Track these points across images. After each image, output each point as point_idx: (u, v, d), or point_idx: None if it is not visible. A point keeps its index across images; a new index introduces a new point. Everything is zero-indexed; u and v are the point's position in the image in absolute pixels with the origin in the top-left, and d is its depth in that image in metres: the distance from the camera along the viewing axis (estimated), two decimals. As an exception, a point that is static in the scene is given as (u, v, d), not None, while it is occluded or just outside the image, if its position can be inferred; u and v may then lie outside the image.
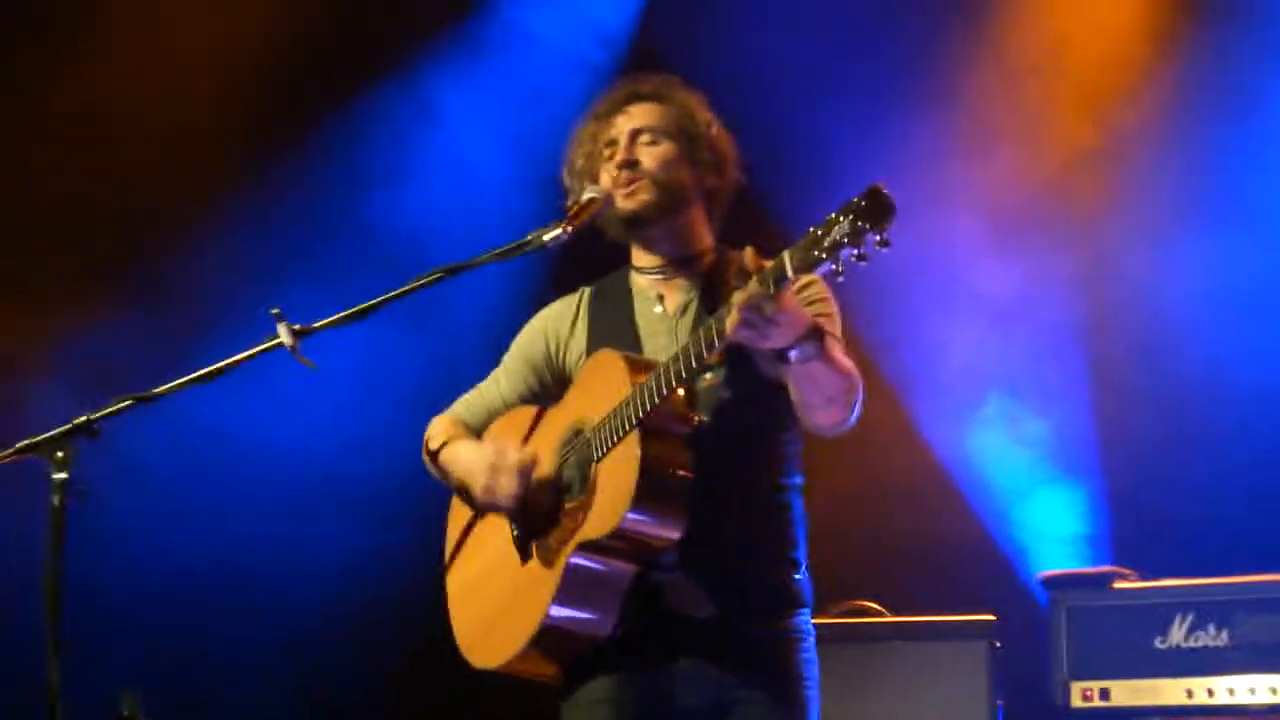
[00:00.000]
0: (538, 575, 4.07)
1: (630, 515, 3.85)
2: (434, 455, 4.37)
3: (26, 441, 3.72)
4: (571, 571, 3.97)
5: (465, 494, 4.31)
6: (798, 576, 4.11)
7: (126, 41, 7.39)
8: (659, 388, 3.86)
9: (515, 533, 4.19)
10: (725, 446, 4.00)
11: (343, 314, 3.94)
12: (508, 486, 4.12)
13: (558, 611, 4.00)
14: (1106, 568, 6.57)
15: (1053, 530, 7.44)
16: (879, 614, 6.65)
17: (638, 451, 3.87)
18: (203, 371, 3.87)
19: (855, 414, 3.97)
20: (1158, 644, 6.23)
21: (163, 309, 7.24)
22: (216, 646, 7.21)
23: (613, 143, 4.24)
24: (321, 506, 7.36)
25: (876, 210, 3.48)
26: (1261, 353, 7.12)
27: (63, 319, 7.12)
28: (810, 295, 4.06)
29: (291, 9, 7.56)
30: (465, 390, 4.52)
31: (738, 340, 3.71)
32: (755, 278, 3.63)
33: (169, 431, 6.71)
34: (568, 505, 4.06)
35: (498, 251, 4.04)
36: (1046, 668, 6.36)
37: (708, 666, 4.00)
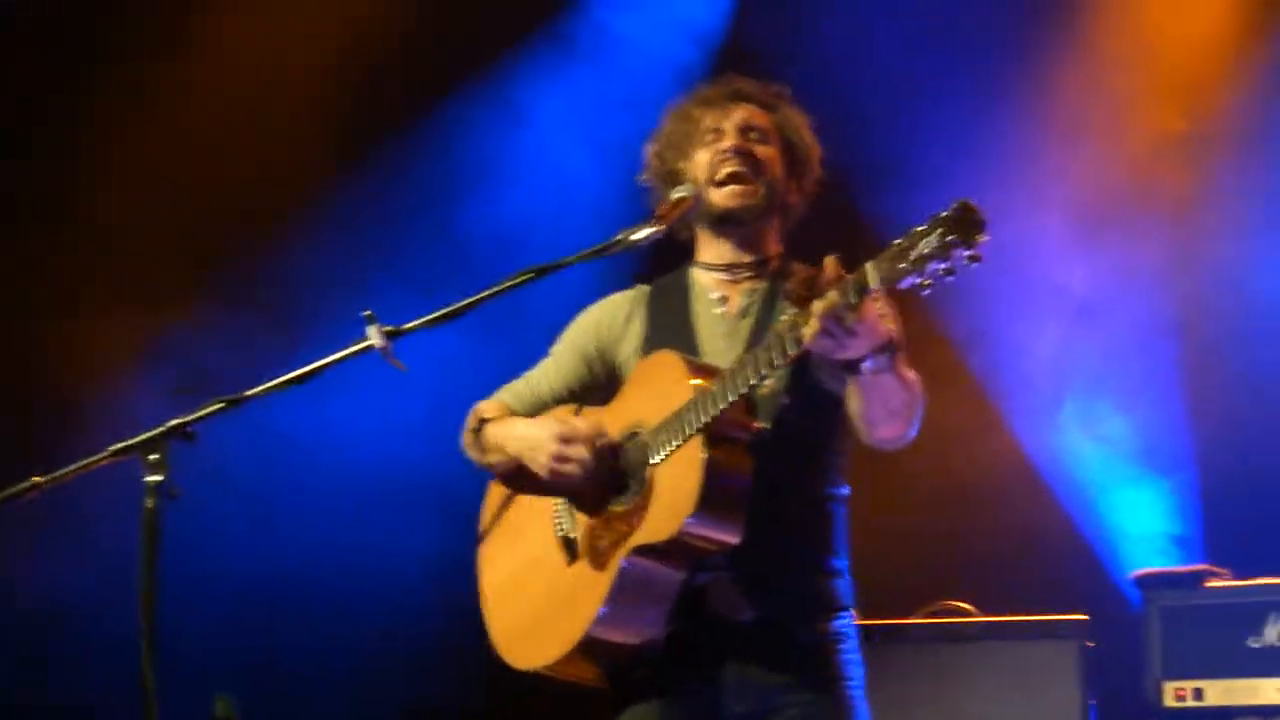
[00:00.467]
0: (586, 577, 4.03)
1: (691, 521, 3.82)
2: (479, 430, 4.32)
3: (121, 444, 3.73)
4: (624, 575, 3.93)
5: (514, 476, 4.26)
6: (840, 581, 4.10)
7: (225, 44, 7.46)
8: (725, 393, 3.84)
9: (561, 531, 4.16)
10: (781, 455, 3.98)
11: (433, 315, 3.93)
12: (581, 453, 4.06)
13: (607, 615, 3.96)
14: (1199, 566, 6.52)
15: (1144, 528, 7.39)
16: (970, 614, 6.62)
17: (702, 457, 3.83)
18: (294, 374, 3.86)
19: (915, 429, 3.95)
20: (1251, 643, 6.17)
21: (257, 312, 7.29)
22: (301, 650, 7.25)
23: (718, 130, 4.21)
24: (403, 510, 7.37)
25: (967, 225, 3.46)
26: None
27: (156, 321, 7.18)
28: (877, 307, 4.04)
29: (385, 12, 7.59)
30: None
31: (815, 349, 3.69)
32: (836, 288, 3.61)
33: (247, 435, 6.74)
34: (619, 508, 4.02)
35: (588, 252, 4.02)
36: (1139, 667, 6.32)
37: (753, 671, 3.98)
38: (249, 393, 3.86)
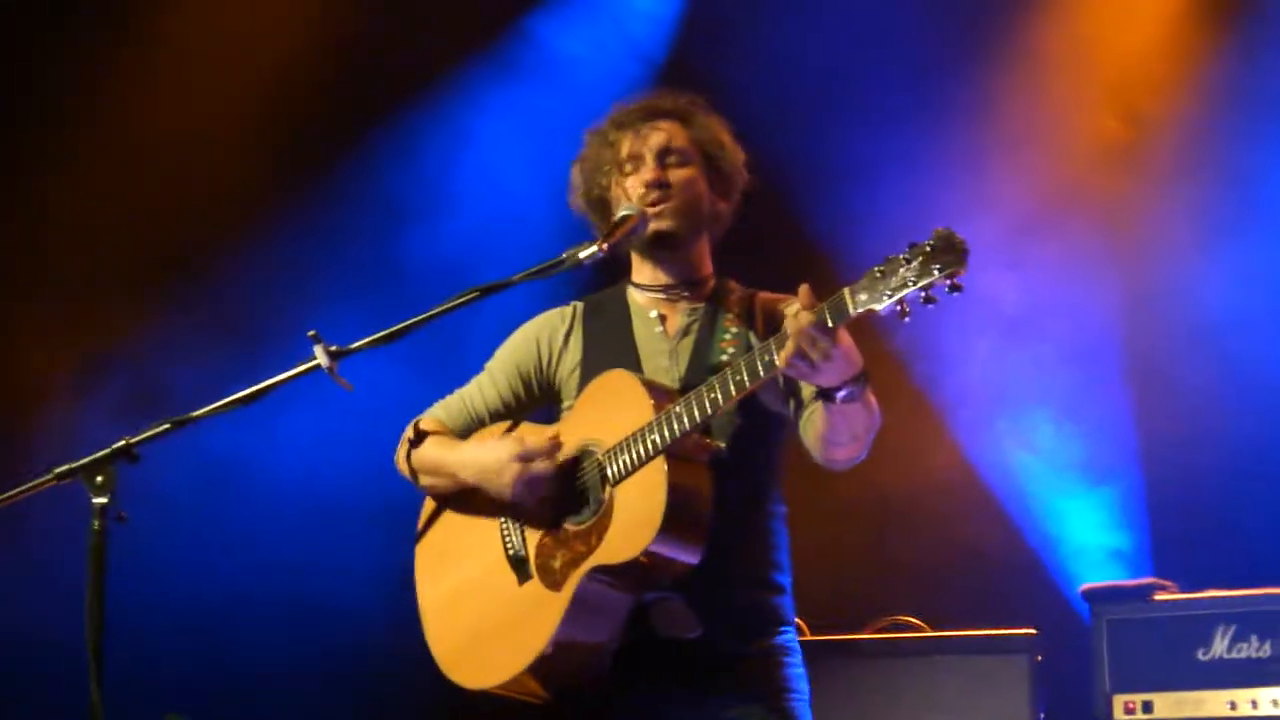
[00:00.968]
0: (540, 596, 4.03)
1: (655, 541, 3.82)
2: (415, 444, 4.30)
3: (66, 467, 3.71)
4: (581, 596, 3.94)
5: (453, 496, 4.25)
6: (784, 597, 4.12)
7: (174, 52, 7.46)
8: (691, 414, 3.84)
9: (511, 549, 4.13)
10: (734, 474, 3.98)
11: (378, 335, 3.93)
12: (545, 469, 4.05)
13: (562, 636, 3.96)
14: (1147, 579, 6.51)
15: (1092, 542, 7.40)
16: (919, 629, 6.63)
17: (665, 479, 3.84)
18: (242, 394, 3.86)
19: (866, 452, 3.97)
20: (1200, 656, 6.18)
21: (204, 327, 7.28)
22: (251, 669, 7.21)
23: (637, 157, 4.22)
24: (345, 527, 7.36)
25: (949, 254, 3.48)
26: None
27: (97, 338, 7.17)
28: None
29: (332, 29, 7.58)
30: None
31: (790, 373, 3.71)
32: (813, 313, 3.62)
33: (185, 455, 6.71)
34: (574, 527, 4.02)
35: (532, 270, 4.03)
36: (1088, 681, 6.32)
37: (697, 686, 4.00)
38: (196, 413, 3.84)
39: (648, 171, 4.19)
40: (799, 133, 7.14)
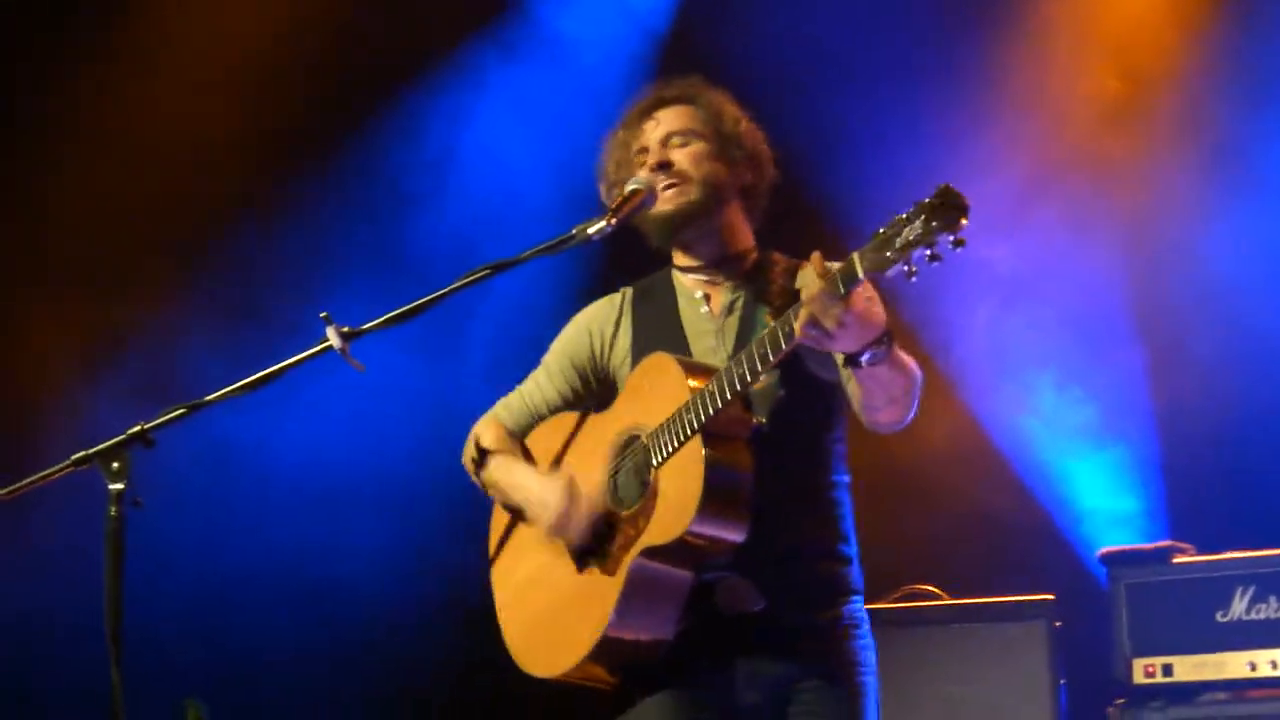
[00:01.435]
0: (597, 583, 4.05)
1: (696, 520, 3.83)
2: (480, 463, 4.37)
3: (82, 453, 3.71)
4: (634, 579, 3.95)
5: (517, 512, 4.32)
6: (849, 567, 4.11)
7: (172, 36, 7.49)
8: (722, 391, 3.85)
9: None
10: (781, 448, 3.98)
11: (390, 315, 3.92)
12: (578, 531, 4.10)
13: (620, 619, 3.97)
14: (1165, 542, 6.51)
15: (1109, 506, 7.40)
16: (938, 597, 6.64)
17: (702, 456, 3.85)
18: (255, 377, 3.85)
19: (914, 411, 3.95)
20: (1219, 617, 6.18)
21: (212, 315, 7.29)
22: (268, 653, 7.24)
23: (644, 150, 4.23)
24: (348, 510, 7.37)
25: (950, 210, 3.46)
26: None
27: (107, 323, 7.18)
28: (865, 293, 4.05)
29: (327, 13, 7.59)
30: (491, 395, 4.51)
31: (806, 341, 3.69)
32: (825, 280, 3.60)
33: (196, 440, 6.72)
34: (625, 512, 4.04)
35: (543, 246, 4.00)
36: (1108, 645, 6.32)
37: (763, 660, 4.00)
38: (210, 397, 3.84)
39: (652, 158, 4.20)
40: (800, 101, 7.12)
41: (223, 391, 3.85)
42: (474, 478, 4.42)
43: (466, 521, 4.72)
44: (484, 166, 7.82)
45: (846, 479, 4.16)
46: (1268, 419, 7.03)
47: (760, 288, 4.14)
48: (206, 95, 7.42)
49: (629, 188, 4.13)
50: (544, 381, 4.40)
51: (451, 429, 4.61)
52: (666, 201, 4.16)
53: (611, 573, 4.01)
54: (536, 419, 4.39)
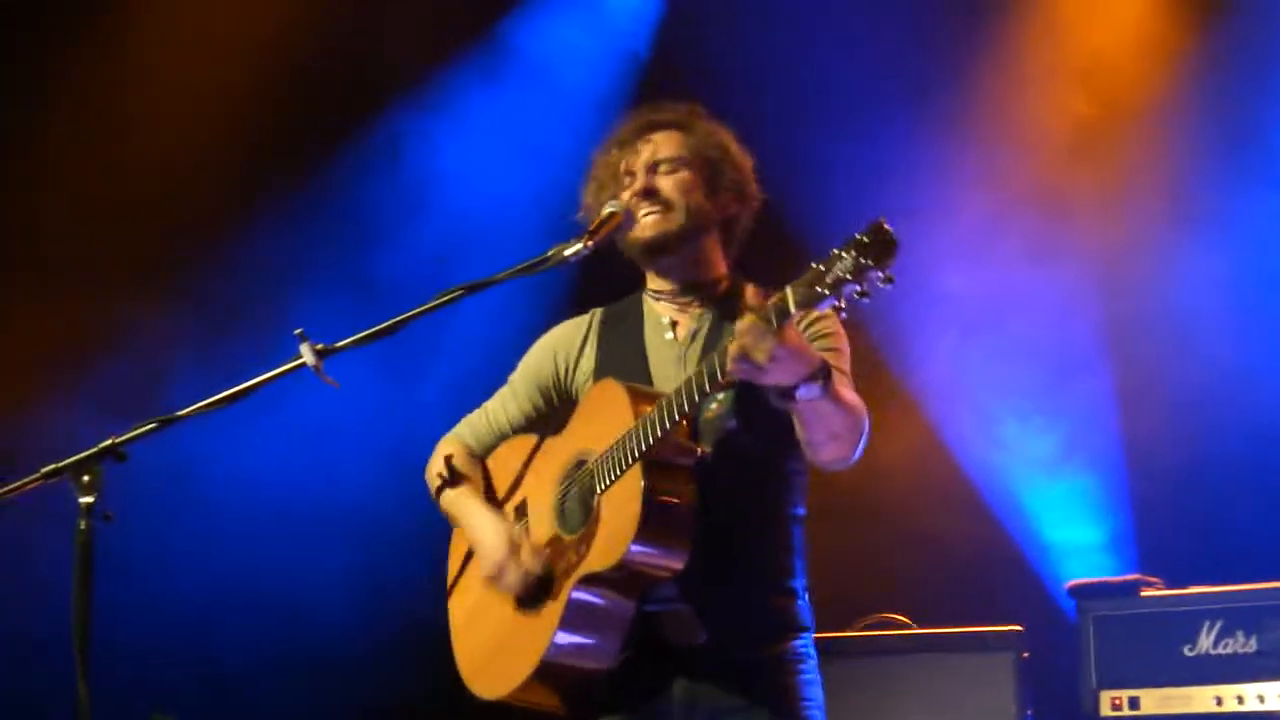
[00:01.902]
0: (541, 608, 4.05)
1: (634, 548, 3.82)
2: (439, 489, 4.37)
3: (52, 466, 3.70)
4: (574, 605, 3.95)
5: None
6: (797, 602, 4.09)
7: (154, 41, 7.47)
8: (662, 420, 3.83)
9: None
10: (729, 478, 3.97)
11: (365, 333, 3.91)
12: (512, 584, 4.11)
13: (560, 643, 3.97)
14: (1133, 576, 6.54)
15: (1077, 537, 7.41)
16: (905, 626, 6.64)
17: (641, 484, 3.84)
18: (228, 393, 3.84)
19: (860, 450, 3.92)
20: (1186, 651, 6.20)
21: (188, 327, 7.29)
22: (237, 668, 7.22)
23: (631, 173, 4.21)
24: (313, 528, 7.36)
25: (880, 247, 3.44)
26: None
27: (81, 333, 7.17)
28: (820, 330, 4.04)
29: (308, 33, 7.60)
30: (453, 416, 4.50)
31: (738, 375, 3.66)
32: (758, 313, 3.58)
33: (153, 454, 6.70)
34: (569, 537, 4.04)
35: (519, 267, 4.00)
36: (1075, 677, 6.34)
37: (706, 693, 3.98)
38: (182, 412, 3.82)
39: (637, 183, 4.18)
40: (771, 127, 7.14)
41: (195, 406, 3.84)
42: (432, 495, 4.41)
43: (428, 540, 4.72)
44: (462, 188, 7.82)
45: (801, 512, 4.13)
46: (1235, 452, 7.05)
47: (727, 316, 4.10)
48: (188, 110, 7.41)
49: (606, 210, 4.11)
50: (509, 400, 4.39)
51: (414, 450, 4.60)
52: (646, 228, 4.14)
53: (555, 597, 4.01)
54: (500, 438, 4.39)
